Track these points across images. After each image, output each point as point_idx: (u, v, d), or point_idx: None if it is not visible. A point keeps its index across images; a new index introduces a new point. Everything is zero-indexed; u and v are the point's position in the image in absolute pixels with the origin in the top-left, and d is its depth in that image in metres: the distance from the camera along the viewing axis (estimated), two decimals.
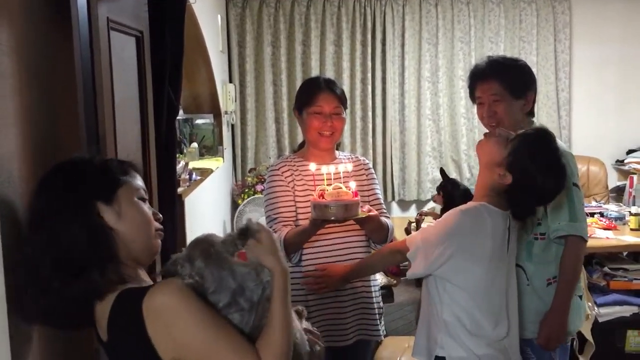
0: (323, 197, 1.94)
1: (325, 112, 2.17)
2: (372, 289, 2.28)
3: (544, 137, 1.84)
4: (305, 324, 1.47)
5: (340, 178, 2.03)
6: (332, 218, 1.94)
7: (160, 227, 1.31)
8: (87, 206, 1.19)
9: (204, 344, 1.12)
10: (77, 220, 1.17)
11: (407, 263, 5.05)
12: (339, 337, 2.17)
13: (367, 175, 2.32)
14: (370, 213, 2.06)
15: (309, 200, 2.05)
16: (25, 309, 1.20)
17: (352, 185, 2.00)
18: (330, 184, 1.99)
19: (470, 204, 1.86)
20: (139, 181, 1.30)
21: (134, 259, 1.26)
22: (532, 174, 1.77)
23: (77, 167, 1.24)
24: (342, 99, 2.23)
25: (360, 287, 2.22)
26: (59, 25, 1.41)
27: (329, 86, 2.22)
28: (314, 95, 2.19)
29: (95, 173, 1.23)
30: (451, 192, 2.30)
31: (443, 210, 2.19)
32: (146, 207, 1.29)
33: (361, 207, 2.04)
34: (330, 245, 2.17)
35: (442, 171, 2.48)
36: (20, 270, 1.17)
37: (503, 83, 2.09)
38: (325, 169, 2.03)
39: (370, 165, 2.39)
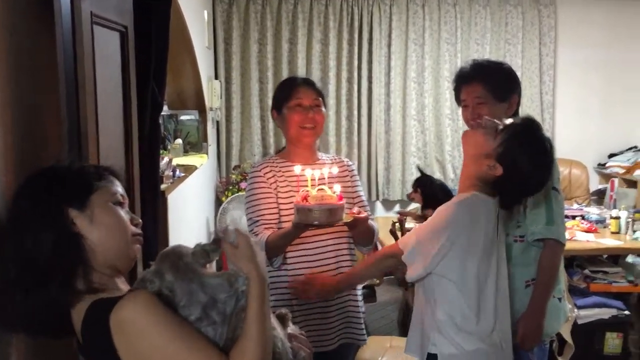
0: (306, 200, 1.88)
1: (305, 104, 2.14)
2: (358, 291, 2.26)
3: (532, 127, 1.85)
4: (292, 328, 1.45)
5: (324, 181, 1.98)
6: (316, 223, 1.88)
7: (139, 232, 1.27)
8: (58, 212, 1.16)
9: (170, 357, 1.08)
10: (46, 226, 1.14)
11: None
12: (324, 341, 2.13)
13: (351, 177, 2.28)
14: (360, 215, 2.02)
15: (292, 203, 2.00)
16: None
17: (337, 188, 1.94)
18: (315, 187, 1.94)
19: (462, 195, 1.84)
20: (116, 186, 1.25)
21: (109, 267, 1.21)
22: (523, 164, 1.77)
23: (52, 172, 1.21)
24: (320, 93, 2.20)
25: (349, 297, 2.19)
26: (41, 19, 1.39)
27: (306, 81, 2.22)
28: (293, 89, 2.16)
29: (68, 178, 1.20)
30: (431, 187, 2.26)
31: (424, 207, 2.14)
32: (123, 212, 1.24)
33: (350, 209, 2.02)
34: (315, 248, 2.13)
35: (419, 168, 2.46)
36: None
37: (487, 86, 2.12)
38: (309, 171, 1.98)
39: (354, 167, 2.36)
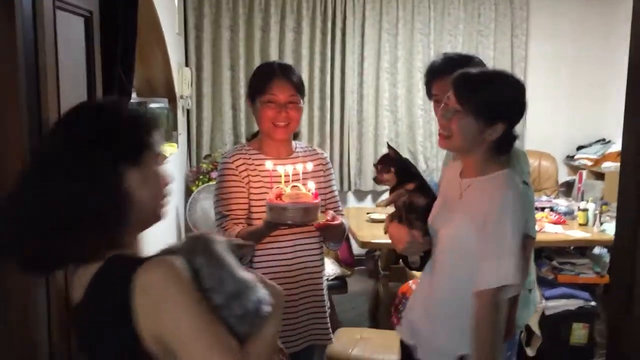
0: (280, 198, 1.79)
1: (280, 101, 2.03)
2: (324, 291, 2.19)
3: (488, 70, 1.82)
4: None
5: (299, 177, 1.90)
6: (289, 222, 1.80)
7: (170, 193, 1.25)
8: (113, 167, 1.11)
9: (190, 330, 1.05)
10: (98, 179, 1.09)
11: (364, 251, 5.00)
12: (290, 342, 2.07)
13: (324, 172, 2.20)
14: (334, 222, 1.93)
15: (265, 198, 1.94)
16: None
17: (311, 185, 1.86)
18: (289, 183, 1.85)
19: (502, 176, 1.69)
20: (159, 142, 1.21)
21: (141, 224, 1.20)
22: (507, 103, 1.69)
23: (107, 118, 1.15)
24: (298, 87, 2.08)
25: (311, 290, 2.13)
26: (0, 3, 1.32)
27: (285, 73, 2.07)
28: (268, 82, 2.04)
29: (124, 131, 1.14)
30: (402, 160, 1.93)
31: (399, 183, 1.88)
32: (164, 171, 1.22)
33: (324, 211, 1.95)
34: (284, 247, 2.06)
35: (389, 145, 2.03)
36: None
37: None
38: (282, 168, 1.89)
39: (328, 159, 2.28)
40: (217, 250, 1.17)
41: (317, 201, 1.84)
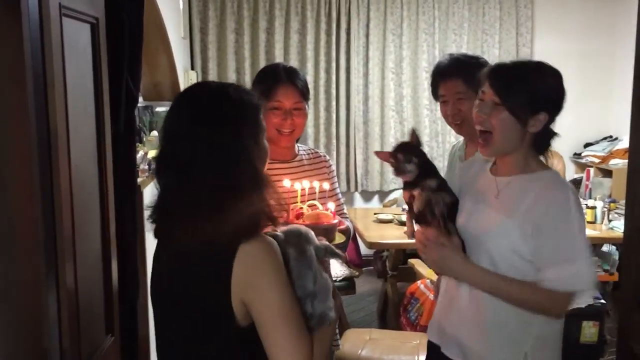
0: (300, 217, 1.73)
1: (285, 107, 1.98)
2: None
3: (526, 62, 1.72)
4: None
5: (315, 194, 1.84)
6: None
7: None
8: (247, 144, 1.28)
9: (279, 306, 1.19)
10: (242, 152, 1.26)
11: (372, 252, 4.98)
12: None
13: (328, 174, 2.17)
14: (340, 227, 1.87)
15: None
16: None
17: (331, 206, 1.79)
18: (305, 202, 1.80)
19: (551, 177, 1.63)
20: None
21: None
22: (548, 92, 1.61)
23: (236, 104, 1.31)
24: (304, 93, 2.03)
25: None
26: (7, 12, 1.33)
27: (290, 78, 2.01)
28: (273, 88, 1.98)
29: (251, 114, 1.32)
30: (423, 153, 1.72)
31: (420, 179, 1.68)
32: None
33: (325, 208, 1.94)
34: None
35: (414, 132, 1.81)
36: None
37: (467, 81, 2.05)
38: (299, 185, 1.84)
39: (331, 162, 2.25)
40: (309, 249, 1.28)
41: (336, 221, 1.79)
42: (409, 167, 1.66)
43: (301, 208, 1.78)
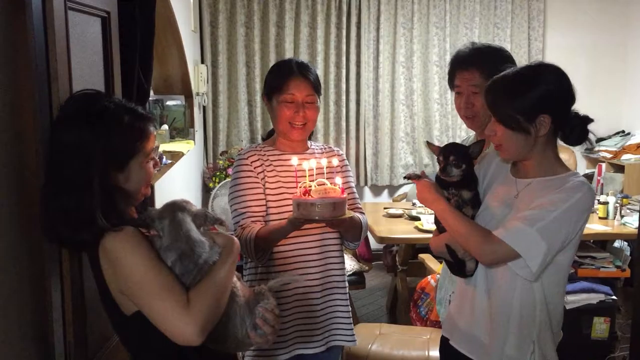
0: (308, 194, 1.75)
1: (297, 100, 1.99)
2: (346, 290, 2.16)
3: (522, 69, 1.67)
4: (267, 305, 1.48)
5: (323, 172, 1.86)
6: (317, 218, 1.75)
7: (152, 175, 1.50)
8: (101, 172, 1.34)
9: (142, 279, 1.29)
10: (86, 179, 1.32)
11: (381, 247, 4.98)
12: (311, 342, 2.06)
13: (342, 167, 2.16)
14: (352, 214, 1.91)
15: (281, 194, 1.92)
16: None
17: (339, 181, 1.82)
18: (313, 180, 1.81)
19: (575, 177, 1.62)
20: (151, 141, 1.45)
21: (127, 203, 1.45)
22: (540, 97, 1.59)
23: (102, 125, 1.34)
24: (316, 86, 2.04)
25: (335, 288, 2.11)
26: (11, 5, 1.32)
27: (302, 71, 2.02)
28: (285, 81, 2.00)
29: (114, 141, 1.35)
30: (472, 171, 1.77)
31: (461, 185, 1.74)
32: (151, 165, 1.47)
33: (333, 183, 1.86)
34: (303, 243, 2.03)
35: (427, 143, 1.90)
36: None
37: (484, 74, 1.94)
38: (307, 164, 1.85)
39: (345, 156, 2.25)
40: (179, 215, 1.37)
41: (344, 196, 1.81)
42: (455, 171, 1.72)
43: (310, 185, 1.79)
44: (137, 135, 1.40)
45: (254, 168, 2.04)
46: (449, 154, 1.73)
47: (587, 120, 1.64)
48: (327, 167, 1.90)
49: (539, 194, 1.61)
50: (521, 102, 1.58)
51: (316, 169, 1.87)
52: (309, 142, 2.17)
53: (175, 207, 1.39)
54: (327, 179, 1.85)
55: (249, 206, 2.00)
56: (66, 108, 1.39)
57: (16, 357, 1.31)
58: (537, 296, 1.64)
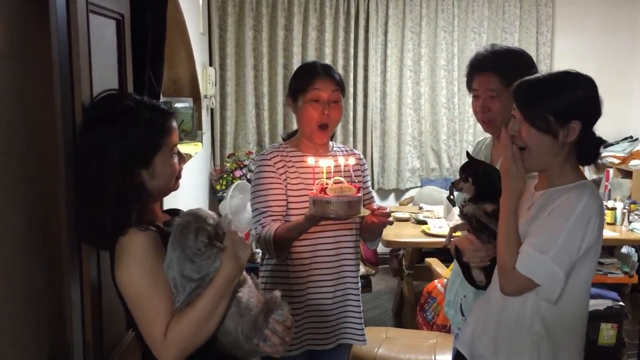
0: (324, 192, 1.79)
1: (323, 98, 2.02)
2: (359, 289, 2.19)
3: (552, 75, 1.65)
4: (280, 315, 1.43)
5: (341, 171, 1.89)
6: (332, 215, 1.78)
7: (181, 169, 1.53)
8: (127, 172, 1.37)
9: (136, 293, 1.35)
10: (113, 179, 1.35)
11: (388, 250, 4.97)
12: (322, 340, 2.08)
13: (362, 172, 2.21)
14: (383, 210, 1.96)
15: (303, 195, 1.94)
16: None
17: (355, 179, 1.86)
18: (330, 178, 1.84)
19: (582, 184, 1.60)
20: (174, 135, 1.47)
21: (155, 198, 1.51)
22: (575, 103, 1.57)
23: (124, 125, 1.37)
24: (340, 84, 2.07)
25: (348, 287, 2.13)
26: (35, 8, 1.34)
27: (327, 71, 2.06)
28: (311, 80, 2.03)
29: (139, 138, 1.38)
30: (487, 176, 1.78)
31: (477, 200, 1.78)
32: (176, 159, 1.49)
33: (350, 183, 1.90)
34: (321, 239, 2.05)
35: (468, 154, 1.93)
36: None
37: (503, 78, 1.90)
38: (324, 162, 1.88)
39: (364, 159, 2.27)
40: (184, 237, 1.35)
41: (360, 195, 1.83)
42: (463, 185, 1.81)
43: (326, 183, 1.82)
44: (159, 130, 1.42)
45: (277, 169, 2.06)
46: (461, 169, 1.84)
47: (602, 141, 1.63)
48: (344, 166, 1.92)
49: (548, 204, 1.60)
50: (557, 102, 1.56)
51: (334, 167, 1.89)
52: (330, 144, 2.19)
53: (186, 223, 1.37)
54: (344, 177, 1.87)
55: (270, 205, 2.02)
56: (89, 110, 1.42)
57: (34, 356, 1.32)
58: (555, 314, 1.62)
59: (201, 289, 1.35)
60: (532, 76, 1.64)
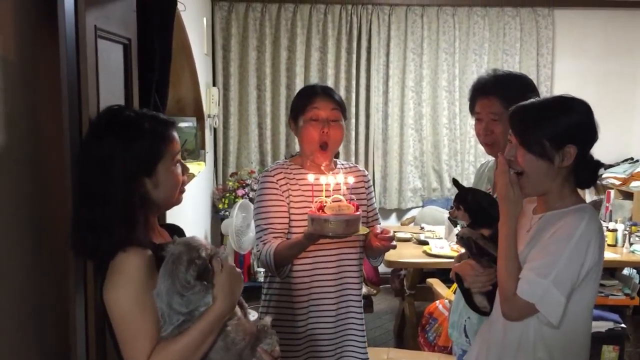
0: (322, 210, 1.80)
1: (322, 117, 2.04)
2: (362, 308, 2.19)
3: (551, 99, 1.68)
4: (269, 344, 1.44)
5: (340, 190, 1.90)
6: (330, 234, 1.80)
7: (185, 181, 1.51)
8: (130, 179, 1.36)
9: (122, 316, 1.32)
10: (117, 187, 1.34)
11: (389, 270, 4.96)
12: (322, 358, 2.09)
13: (366, 189, 2.21)
14: (387, 234, 1.97)
15: (305, 213, 1.96)
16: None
17: (353, 197, 1.87)
18: (329, 196, 1.86)
19: (580, 207, 1.61)
20: (176, 144, 1.46)
21: (157, 210, 1.49)
22: (570, 128, 1.59)
23: (126, 133, 1.37)
24: (340, 104, 2.10)
25: (350, 306, 2.14)
26: (45, 33, 1.38)
27: (326, 91, 2.10)
28: (310, 99, 2.07)
29: (141, 146, 1.37)
30: (478, 202, 1.82)
31: (475, 225, 1.81)
32: (179, 169, 1.48)
33: (348, 201, 1.91)
34: (322, 257, 2.06)
35: (455, 181, 1.98)
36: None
37: (505, 102, 1.93)
38: (324, 179, 1.91)
39: (370, 177, 2.28)
40: (176, 267, 1.32)
41: (358, 213, 1.84)
42: (456, 213, 1.82)
43: (325, 201, 1.83)
44: (161, 138, 1.41)
45: (280, 186, 2.08)
46: (453, 200, 1.85)
47: (600, 165, 1.65)
48: (344, 184, 1.93)
49: (546, 228, 1.61)
50: (552, 127, 1.58)
51: (334, 185, 1.90)
52: (336, 161, 2.21)
53: (179, 252, 1.34)
54: (343, 195, 1.88)
55: (272, 223, 2.04)
56: (92, 124, 1.44)
57: None
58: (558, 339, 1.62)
59: (189, 323, 1.32)
60: (528, 101, 1.67)
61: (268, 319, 1.50)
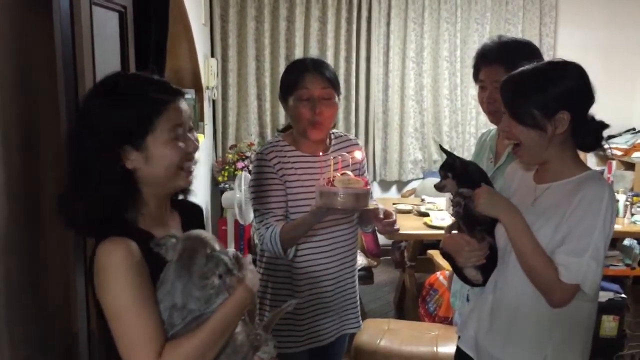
0: (332, 184, 1.75)
1: (313, 95, 1.94)
2: (356, 282, 2.19)
3: (544, 65, 1.62)
4: (266, 354, 1.39)
5: (349, 166, 1.86)
6: (340, 207, 1.74)
7: (188, 159, 1.34)
8: (114, 151, 1.22)
9: (121, 311, 1.18)
10: (100, 158, 1.21)
11: (390, 242, 4.97)
12: (323, 335, 2.10)
13: (359, 162, 2.16)
14: (392, 219, 1.96)
15: (300, 193, 1.93)
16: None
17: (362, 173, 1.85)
18: (338, 171, 1.82)
19: (592, 175, 1.58)
20: (177, 114, 1.28)
21: (154, 192, 1.31)
22: (560, 93, 1.54)
23: (117, 94, 1.24)
24: (331, 81, 1.98)
25: (346, 283, 2.14)
26: (38, 2, 1.34)
27: (316, 67, 1.97)
28: (299, 77, 1.96)
29: (131, 110, 1.23)
30: (467, 170, 1.76)
31: (459, 186, 1.75)
32: (181, 144, 1.29)
33: (357, 177, 1.87)
34: (321, 237, 2.03)
35: (442, 148, 1.91)
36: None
37: (509, 69, 1.81)
38: (331, 155, 1.87)
39: (363, 149, 2.21)
40: (190, 263, 1.22)
41: (368, 187, 1.81)
42: (443, 183, 1.77)
43: (334, 176, 1.79)
44: (151, 107, 1.24)
45: (276, 170, 2.01)
46: (439, 171, 1.81)
47: (604, 126, 1.61)
48: (351, 159, 1.91)
49: (560, 200, 1.58)
50: (540, 97, 1.54)
51: (341, 161, 1.86)
52: (331, 134, 2.14)
53: (189, 247, 1.25)
54: (351, 171, 1.85)
55: (272, 208, 1.99)
56: (86, 94, 1.32)
57: (45, 346, 1.33)
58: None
59: (202, 319, 1.22)
60: (517, 70, 1.62)
61: (262, 330, 1.42)
